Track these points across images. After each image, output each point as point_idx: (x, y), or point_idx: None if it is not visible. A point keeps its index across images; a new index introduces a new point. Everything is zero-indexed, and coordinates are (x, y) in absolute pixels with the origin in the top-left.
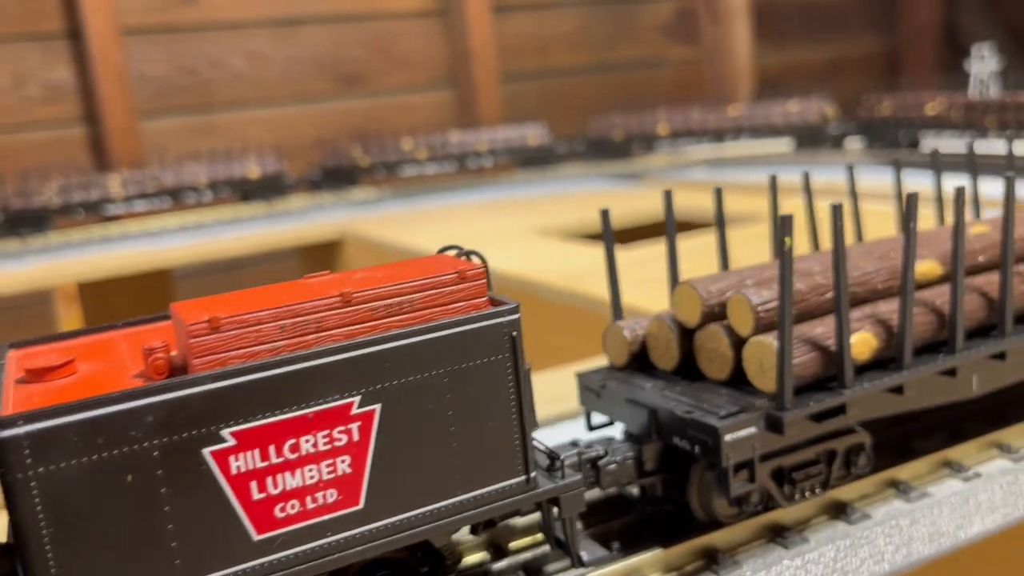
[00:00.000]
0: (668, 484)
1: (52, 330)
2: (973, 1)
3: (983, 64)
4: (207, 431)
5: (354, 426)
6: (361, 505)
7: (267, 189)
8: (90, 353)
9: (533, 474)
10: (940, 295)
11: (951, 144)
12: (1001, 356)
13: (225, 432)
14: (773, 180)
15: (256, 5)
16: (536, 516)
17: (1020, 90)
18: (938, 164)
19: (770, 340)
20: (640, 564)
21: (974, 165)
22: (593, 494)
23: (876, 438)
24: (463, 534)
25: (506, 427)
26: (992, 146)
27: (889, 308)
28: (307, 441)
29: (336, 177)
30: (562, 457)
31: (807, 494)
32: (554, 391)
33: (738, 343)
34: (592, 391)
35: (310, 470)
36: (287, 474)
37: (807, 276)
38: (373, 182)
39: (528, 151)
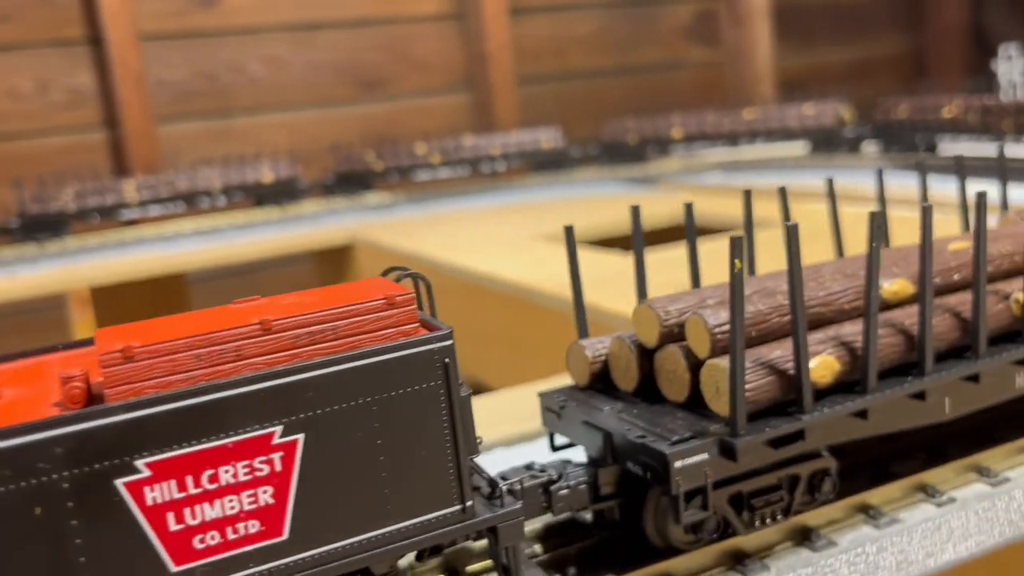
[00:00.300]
0: (625, 509)
1: (65, 335)
2: (1001, 1)
3: (1010, 65)
4: (120, 462)
5: (276, 456)
6: (285, 536)
7: (280, 194)
8: (18, 379)
9: (469, 503)
10: (910, 316)
11: (968, 148)
12: (975, 378)
13: (139, 463)
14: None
15: (274, 10)
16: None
17: None
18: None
19: (725, 363)
20: None
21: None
22: (553, 518)
23: (851, 460)
24: (409, 559)
25: (440, 455)
26: (1012, 150)
27: (854, 329)
28: (226, 471)
29: (350, 182)
30: (508, 482)
31: (768, 521)
32: (534, 407)
33: (696, 365)
34: (553, 412)
35: (230, 500)
36: (206, 505)
37: (770, 296)
38: (387, 187)
39: (542, 155)
